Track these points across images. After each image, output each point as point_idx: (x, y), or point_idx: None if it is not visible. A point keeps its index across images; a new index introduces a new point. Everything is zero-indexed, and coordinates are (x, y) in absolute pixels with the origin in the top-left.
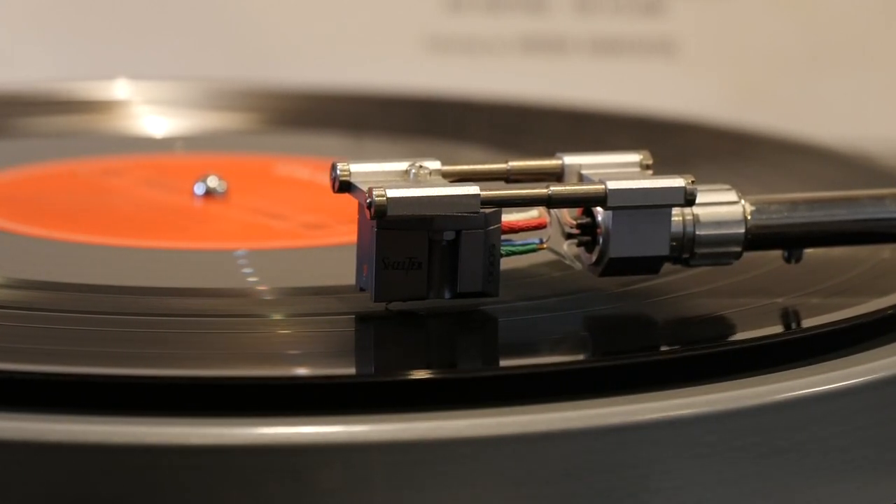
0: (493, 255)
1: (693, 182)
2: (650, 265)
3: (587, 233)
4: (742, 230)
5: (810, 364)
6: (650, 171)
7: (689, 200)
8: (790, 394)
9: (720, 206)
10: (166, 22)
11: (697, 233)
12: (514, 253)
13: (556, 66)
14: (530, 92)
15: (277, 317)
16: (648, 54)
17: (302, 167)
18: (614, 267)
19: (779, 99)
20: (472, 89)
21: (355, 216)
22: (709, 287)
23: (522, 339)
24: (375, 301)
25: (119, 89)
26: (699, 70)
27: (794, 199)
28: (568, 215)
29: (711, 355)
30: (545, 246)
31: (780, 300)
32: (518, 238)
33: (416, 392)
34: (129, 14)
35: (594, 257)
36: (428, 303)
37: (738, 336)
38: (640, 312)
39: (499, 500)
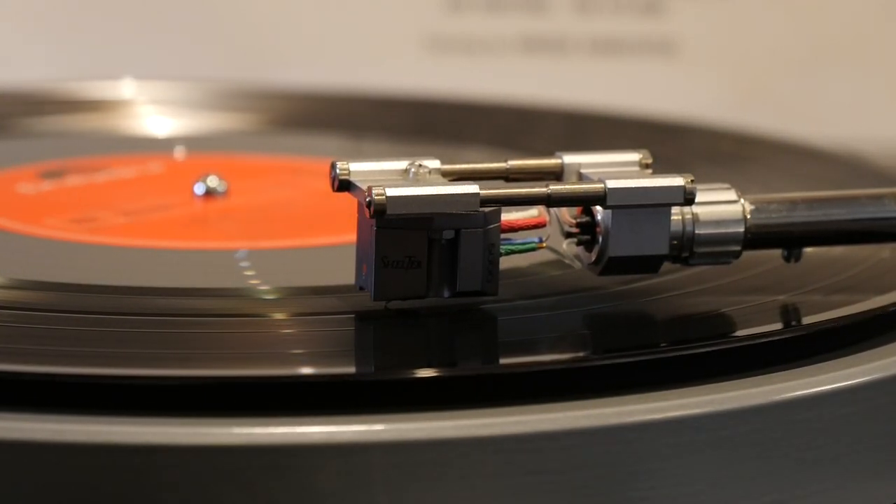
0: (492, 254)
1: (692, 181)
2: (650, 264)
3: (587, 232)
4: (741, 229)
5: (810, 363)
6: (649, 170)
7: (689, 199)
8: (790, 394)
9: (719, 205)
10: (167, 22)
11: (697, 232)
12: (513, 252)
13: (556, 66)
14: (530, 92)
15: (277, 316)
16: (648, 54)
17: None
18: (614, 266)
19: (779, 99)
20: (472, 90)
21: (354, 215)
22: (708, 286)
23: (522, 338)
24: (375, 300)
25: (120, 89)
26: (699, 70)
27: (794, 199)
28: (567, 214)
29: (711, 354)
30: (544, 245)
31: (780, 297)
32: (517, 237)
33: (416, 391)
34: (130, 15)
35: (594, 256)
36: (427, 301)
37: (738, 334)
38: (640, 311)
39: (498, 499)
